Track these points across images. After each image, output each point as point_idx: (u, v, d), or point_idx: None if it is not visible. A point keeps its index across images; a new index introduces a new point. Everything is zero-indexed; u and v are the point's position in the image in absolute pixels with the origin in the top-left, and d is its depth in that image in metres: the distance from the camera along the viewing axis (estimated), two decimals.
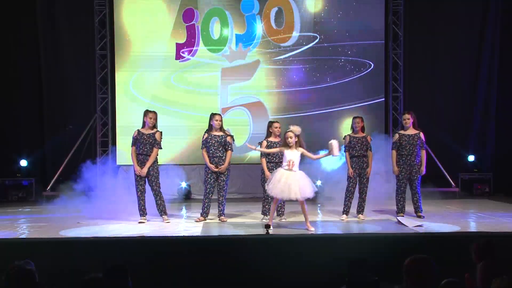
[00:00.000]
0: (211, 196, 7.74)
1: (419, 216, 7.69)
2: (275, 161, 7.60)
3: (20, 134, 11.14)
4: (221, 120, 7.74)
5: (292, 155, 6.82)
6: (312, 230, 6.72)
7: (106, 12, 11.11)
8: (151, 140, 7.51)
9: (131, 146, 7.60)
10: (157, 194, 7.58)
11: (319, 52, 11.24)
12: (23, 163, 10.94)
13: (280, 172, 6.84)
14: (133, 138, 7.58)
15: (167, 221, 7.54)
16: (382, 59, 11.40)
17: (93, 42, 11.17)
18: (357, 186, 7.90)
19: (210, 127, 7.72)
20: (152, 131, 7.56)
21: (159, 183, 7.59)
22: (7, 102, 11.12)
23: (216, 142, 7.62)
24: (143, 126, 7.60)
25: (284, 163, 6.84)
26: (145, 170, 7.44)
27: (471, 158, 11.41)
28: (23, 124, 11.17)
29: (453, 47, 11.58)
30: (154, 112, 7.64)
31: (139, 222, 7.49)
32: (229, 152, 7.70)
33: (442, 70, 11.67)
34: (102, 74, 11.21)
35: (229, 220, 7.71)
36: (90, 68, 11.29)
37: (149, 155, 7.48)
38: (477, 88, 11.70)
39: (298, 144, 6.86)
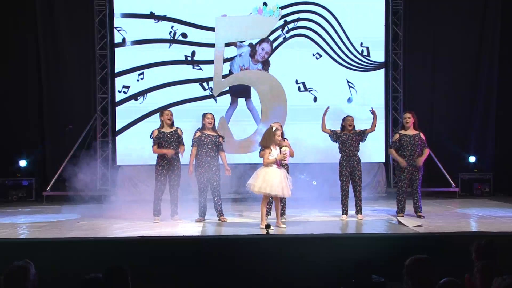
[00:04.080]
0: (206, 195, 7.76)
1: (419, 216, 7.70)
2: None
3: (20, 134, 11.12)
4: (213, 119, 7.79)
5: (276, 152, 7.01)
6: (283, 227, 6.96)
7: (106, 12, 11.11)
8: (175, 137, 7.64)
9: (153, 146, 7.63)
10: (175, 193, 7.70)
11: (319, 52, 11.22)
12: (23, 163, 10.94)
13: (271, 171, 6.94)
14: (155, 138, 7.62)
15: (180, 220, 7.66)
16: (382, 59, 11.40)
17: (93, 42, 11.17)
18: (351, 185, 7.91)
19: (203, 126, 7.76)
20: (173, 129, 7.68)
21: (179, 182, 7.72)
22: (7, 102, 11.12)
23: (210, 141, 7.65)
24: (161, 127, 7.69)
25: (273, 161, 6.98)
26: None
27: (472, 159, 11.41)
28: (23, 124, 11.16)
29: (453, 47, 11.58)
30: (170, 110, 7.82)
31: (154, 222, 7.52)
32: (223, 153, 7.78)
33: (442, 70, 11.67)
34: (102, 74, 11.20)
35: (229, 220, 7.71)
36: (90, 68, 11.29)
37: (177, 153, 7.61)
38: (477, 88, 11.70)
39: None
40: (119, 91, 10.93)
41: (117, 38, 10.97)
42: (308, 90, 11.15)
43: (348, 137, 7.85)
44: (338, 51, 11.22)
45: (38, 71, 11.24)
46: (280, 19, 11.12)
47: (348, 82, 11.15)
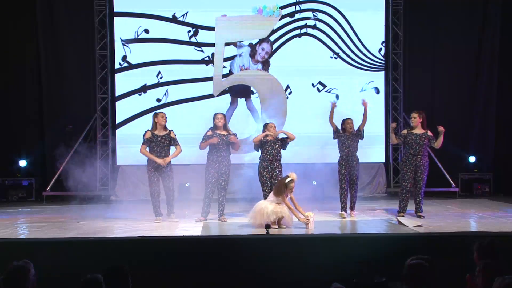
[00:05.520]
0: (212, 196, 7.78)
1: (419, 216, 7.71)
2: (269, 159, 7.79)
3: (20, 134, 11.12)
4: (223, 119, 7.81)
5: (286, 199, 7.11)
6: (284, 227, 7.01)
7: (106, 12, 11.11)
8: (167, 142, 7.61)
9: (142, 145, 7.61)
10: (171, 193, 7.72)
11: (319, 52, 11.21)
12: (23, 163, 10.93)
13: (268, 204, 7.03)
14: (146, 138, 7.59)
15: (175, 220, 7.63)
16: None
17: (93, 42, 11.16)
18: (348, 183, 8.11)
19: (214, 126, 7.81)
20: (166, 132, 7.65)
21: (173, 182, 7.73)
22: (7, 102, 11.11)
23: (221, 140, 7.69)
24: (154, 129, 7.64)
25: (276, 201, 7.03)
26: (168, 160, 7.54)
27: (472, 159, 11.40)
28: (23, 124, 11.15)
29: (453, 47, 11.56)
30: (164, 113, 7.83)
31: (155, 222, 7.54)
32: (238, 144, 7.91)
33: (442, 70, 11.67)
34: (102, 74, 11.20)
35: (229, 220, 7.71)
36: (90, 68, 11.28)
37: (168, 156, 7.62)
38: (477, 88, 11.70)
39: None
40: (139, 94, 10.95)
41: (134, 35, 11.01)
42: (328, 90, 11.14)
43: (347, 138, 8.03)
44: (347, 51, 11.25)
45: (38, 71, 11.22)
46: (280, 19, 11.12)
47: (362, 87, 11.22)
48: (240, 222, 7.55)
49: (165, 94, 10.98)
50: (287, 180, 7.04)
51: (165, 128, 7.67)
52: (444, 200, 10.20)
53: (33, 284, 3.70)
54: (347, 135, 8.04)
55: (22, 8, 11.13)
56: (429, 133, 7.87)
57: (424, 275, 3.54)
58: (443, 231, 6.61)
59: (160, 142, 7.56)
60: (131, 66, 11.02)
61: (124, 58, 11.02)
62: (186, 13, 11.04)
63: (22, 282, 3.64)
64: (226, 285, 5.52)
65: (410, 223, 7.00)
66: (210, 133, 7.75)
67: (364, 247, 5.83)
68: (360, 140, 8.14)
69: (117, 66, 11.03)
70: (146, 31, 10.98)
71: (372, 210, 8.75)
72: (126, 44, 10.94)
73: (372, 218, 7.90)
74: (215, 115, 7.86)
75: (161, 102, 10.91)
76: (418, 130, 7.86)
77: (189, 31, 11.02)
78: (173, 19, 11.03)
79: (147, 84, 11.01)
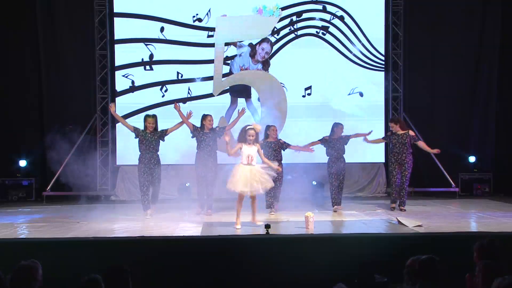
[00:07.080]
0: (204, 190, 8.14)
1: (401, 210, 8.47)
2: (270, 159, 7.81)
3: (20, 134, 11.11)
4: (212, 120, 8.26)
5: (251, 150, 7.15)
6: (259, 223, 7.01)
7: (106, 12, 11.11)
8: (156, 137, 8.04)
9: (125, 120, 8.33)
10: (157, 188, 8.19)
11: (319, 53, 11.20)
12: (23, 163, 10.93)
13: (240, 168, 7.07)
14: (136, 129, 8.07)
15: (149, 216, 7.98)
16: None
17: (93, 42, 11.16)
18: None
19: (202, 127, 8.18)
20: (155, 132, 8.09)
21: (160, 174, 8.21)
22: (7, 102, 11.11)
23: (207, 138, 8.12)
24: (145, 129, 8.09)
25: (244, 158, 7.10)
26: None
27: (472, 159, 11.40)
28: (23, 124, 11.15)
29: (453, 47, 11.56)
30: (153, 116, 8.17)
31: (146, 217, 7.93)
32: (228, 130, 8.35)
33: (442, 70, 11.66)
34: (102, 74, 11.20)
35: (227, 219, 7.71)
36: (90, 68, 11.29)
37: (158, 151, 8.06)
38: (477, 88, 11.70)
39: (256, 141, 7.22)
40: (162, 96, 10.97)
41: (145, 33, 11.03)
42: (350, 92, 11.15)
43: (336, 141, 8.62)
44: (354, 50, 11.25)
45: (38, 71, 11.22)
46: (279, 21, 11.10)
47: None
48: (239, 222, 7.55)
49: (188, 92, 11.03)
50: (247, 127, 7.19)
51: (154, 130, 8.09)
52: (444, 200, 10.19)
53: (39, 284, 3.69)
54: (336, 139, 8.60)
55: (22, 8, 11.13)
56: (410, 132, 8.59)
57: (436, 270, 3.55)
58: (443, 231, 6.62)
59: (149, 137, 8.02)
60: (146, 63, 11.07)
61: (151, 57, 11.03)
62: (210, 10, 11.03)
63: (30, 282, 3.62)
64: (226, 285, 5.53)
65: (410, 223, 7.00)
66: (199, 130, 8.14)
67: (364, 247, 5.83)
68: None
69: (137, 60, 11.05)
70: (162, 29, 11.00)
71: (372, 210, 8.75)
72: (151, 43, 10.98)
73: (372, 218, 7.91)
74: (205, 116, 8.22)
75: (162, 100, 10.90)
76: (400, 131, 8.56)
77: (209, 30, 11.07)
78: (172, 20, 11.04)
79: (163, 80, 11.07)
